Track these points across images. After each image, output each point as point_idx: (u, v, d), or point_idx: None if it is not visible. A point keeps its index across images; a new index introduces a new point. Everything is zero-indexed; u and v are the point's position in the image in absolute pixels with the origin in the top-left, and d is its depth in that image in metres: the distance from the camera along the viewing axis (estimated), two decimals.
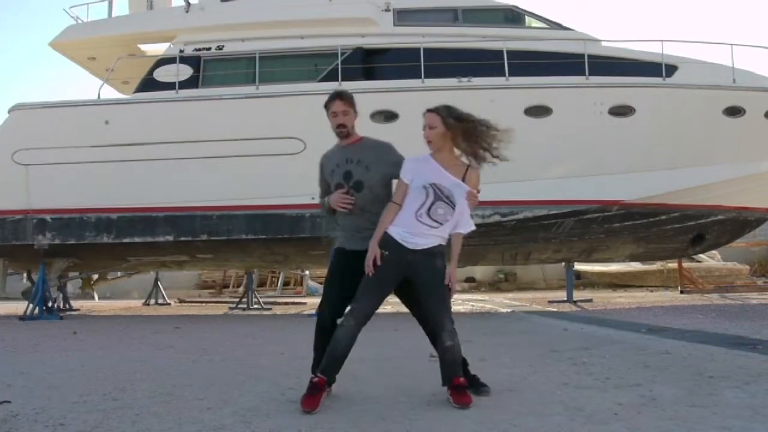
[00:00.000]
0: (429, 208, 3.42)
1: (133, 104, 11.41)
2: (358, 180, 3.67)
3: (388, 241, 3.44)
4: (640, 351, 5.31)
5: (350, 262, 3.60)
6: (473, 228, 3.61)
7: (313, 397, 3.30)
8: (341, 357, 3.41)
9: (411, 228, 3.43)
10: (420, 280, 3.47)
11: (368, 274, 3.42)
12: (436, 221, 3.44)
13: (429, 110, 3.60)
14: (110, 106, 11.36)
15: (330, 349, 3.42)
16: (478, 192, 3.58)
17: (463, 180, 3.52)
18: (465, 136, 3.58)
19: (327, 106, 3.76)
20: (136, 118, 10.99)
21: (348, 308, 3.47)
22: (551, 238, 11.35)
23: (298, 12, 11.51)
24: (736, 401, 3.27)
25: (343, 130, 3.73)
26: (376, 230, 3.49)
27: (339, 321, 3.50)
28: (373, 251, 3.42)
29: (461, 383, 3.40)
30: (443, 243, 3.52)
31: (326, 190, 3.83)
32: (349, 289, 3.54)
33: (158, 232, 10.86)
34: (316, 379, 3.37)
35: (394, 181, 3.67)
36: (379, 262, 3.40)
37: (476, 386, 3.64)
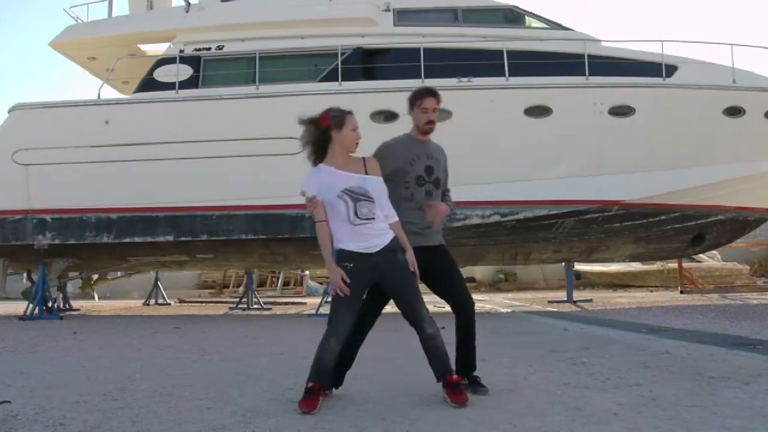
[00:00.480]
0: (355, 212, 3.40)
1: (133, 104, 11.41)
2: (438, 177, 3.80)
3: (347, 255, 3.41)
4: (640, 351, 5.31)
5: None
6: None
7: (311, 399, 3.31)
8: (329, 371, 3.46)
9: (357, 236, 3.41)
10: (388, 279, 3.47)
11: (339, 293, 3.38)
12: (367, 218, 3.42)
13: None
14: (110, 106, 11.36)
15: (318, 364, 3.41)
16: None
17: (366, 172, 3.49)
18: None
19: (416, 100, 3.83)
20: (136, 118, 10.99)
21: (327, 329, 3.43)
22: (551, 238, 11.35)
23: (298, 12, 11.51)
24: (736, 401, 3.27)
25: (432, 127, 3.83)
26: (324, 254, 3.46)
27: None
28: (337, 272, 3.37)
29: (455, 381, 3.42)
30: (393, 234, 3.50)
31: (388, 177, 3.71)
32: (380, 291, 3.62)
33: (158, 232, 10.87)
34: (310, 385, 3.37)
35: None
36: (347, 279, 3.37)
37: (475, 386, 3.67)
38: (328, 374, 3.47)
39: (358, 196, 3.40)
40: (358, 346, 3.73)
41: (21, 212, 10.97)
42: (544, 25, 11.63)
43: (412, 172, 3.73)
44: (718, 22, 64.30)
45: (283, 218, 10.68)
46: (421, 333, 3.44)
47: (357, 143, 3.53)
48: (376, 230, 3.44)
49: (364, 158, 3.55)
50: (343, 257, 3.41)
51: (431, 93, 3.81)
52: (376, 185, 3.47)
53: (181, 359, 5.46)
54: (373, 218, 3.43)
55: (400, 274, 3.46)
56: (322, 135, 3.49)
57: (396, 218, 3.53)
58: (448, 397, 3.36)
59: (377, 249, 3.42)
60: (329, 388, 3.59)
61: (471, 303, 3.82)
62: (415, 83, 10.60)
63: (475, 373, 3.79)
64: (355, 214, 3.39)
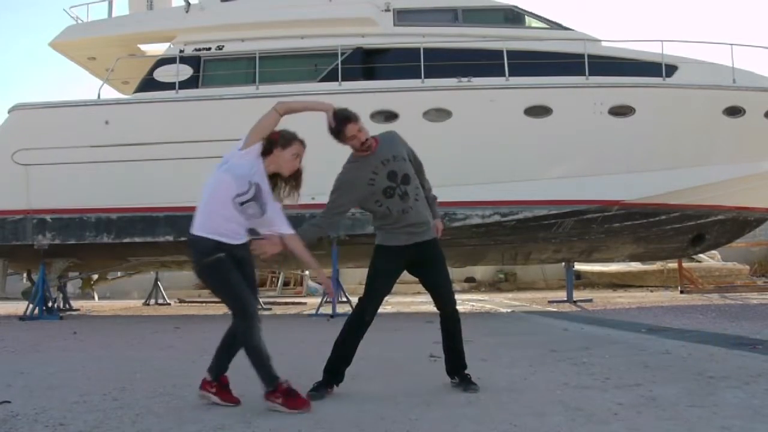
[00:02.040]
0: (243, 202, 3.39)
1: (133, 104, 11.41)
2: (405, 173, 3.71)
3: (215, 246, 3.37)
4: (640, 351, 5.31)
5: (398, 257, 3.68)
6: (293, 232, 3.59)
7: (299, 396, 3.33)
8: (270, 360, 3.39)
9: (232, 219, 3.40)
10: (246, 273, 3.48)
11: (231, 282, 3.38)
12: (244, 216, 3.43)
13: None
14: (110, 106, 11.36)
15: (262, 357, 3.35)
16: None
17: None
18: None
19: (338, 132, 3.63)
20: (136, 118, 10.99)
21: (248, 319, 3.37)
22: (551, 238, 11.35)
23: (298, 12, 11.51)
24: (736, 401, 3.27)
25: (369, 143, 3.67)
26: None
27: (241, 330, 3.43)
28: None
29: (224, 380, 3.54)
30: (248, 238, 3.55)
31: (342, 209, 3.77)
32: (392, 287, 3.71)
33: (158, 232, 10.86)
34: (285, 385, 3.33)
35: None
36: (224, 267, 3.37)
37: (467, 384, 3.73)
38: (270, 361, 3.40)
39: (258, 198, 3.41)
40: (358, 343, 3.78)
41: (21, 212, 10.97)
42: (544, 25, 11.63)
43: (377, 189, 3.66)
44: (718, 22, 64.29)
45: None
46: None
47: (292, 171, 3.52)
48: (242, 225, 3.45)
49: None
50: (214, 249, 3.37)
51: (348, 119, 3.61)
52: (273, 210, 3.52)
53: (181, 359, 5.46)
54: (246, 221, 3.44)
55: (251, 267, 3.53)
56: (268, 144, 3.50)
57: (291, 232, 3.55)
58: (219, 398, 3.48)
59: (240, 242, 3.45)
60: (342, 378, 3.65)
61: (452, 303, 3.86)
62: (416, 83, 10.63)
63: (466, 372, 3.84)
64: (242, 203, 3.38)
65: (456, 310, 3.88)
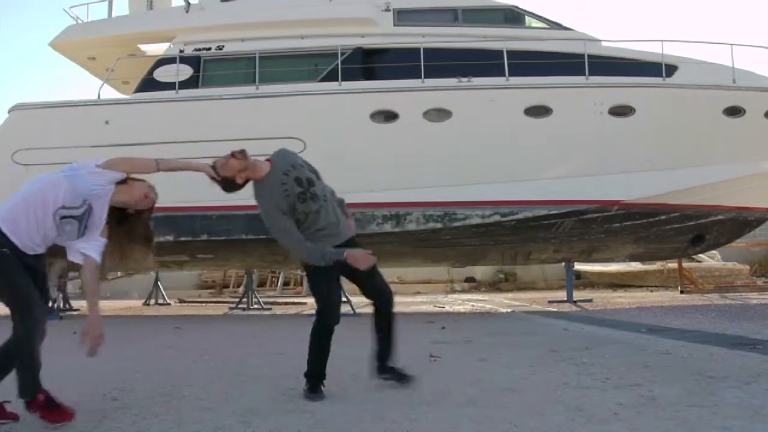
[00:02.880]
0: (65, 216, 3.16)
1: (133, 104, 11.40)
2: (308, 177, 3.79)
3: (4, 242, 3.08)
4: (640, 351, 5.31)
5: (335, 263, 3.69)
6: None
7: (58, 409, 3.19)
8: (39, 369, 3.20)
9: (40, 219, 3.12)
10: (37, 281, 3.24)
11: (17, 281, 3.11)
12: (57, 231, 3.18)
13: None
14: (110, 106, 11.35)
15: (33, 363, 3.17)
16: None
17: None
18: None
19: (224, 179, 3.81)
20: (136, 118, 10.98)
21: (33, 321, 3.13)
22: (551, 238, 11.35)
23: (298, 12, 11.51)
24: (736, 401, 3.27)
25: (247, 156, 3.69)
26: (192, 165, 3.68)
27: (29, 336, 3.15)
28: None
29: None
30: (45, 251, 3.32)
31: (293, 224, 3.74)
32: (339, 286, 3.74)
33: (158, 232, 10.79)
34: (44, 396, 3.17)
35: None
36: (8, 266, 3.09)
37: (400, 375, 3.83)
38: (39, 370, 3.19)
39: (83, 220, 3.20)
40: (330, 343, 3.79)
41: None
42: (544, 25, 11.63)
43: (293, 197, 3.68)
44: (718, 22, 64.27)
45: None
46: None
47: (131, 208, 3.42)
48: (51, 239, 3.24)
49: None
50: (4, 244, 3.08)
51: (224, 161, 3.76)
52: (93, 239, 3.30)
53: (181, 359, 5.46)
54: (54, 237, 3.23)
55: (40, 278, 3.32)
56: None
57: (97, 259, 3.29)
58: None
59: (35, 252, 3.21)
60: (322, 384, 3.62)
61: (388, 291, 3.88)
62: (416, 83, 10.62)
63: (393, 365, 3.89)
64: (63, 217, 3.15)
65: (390, 302, 3.87)
